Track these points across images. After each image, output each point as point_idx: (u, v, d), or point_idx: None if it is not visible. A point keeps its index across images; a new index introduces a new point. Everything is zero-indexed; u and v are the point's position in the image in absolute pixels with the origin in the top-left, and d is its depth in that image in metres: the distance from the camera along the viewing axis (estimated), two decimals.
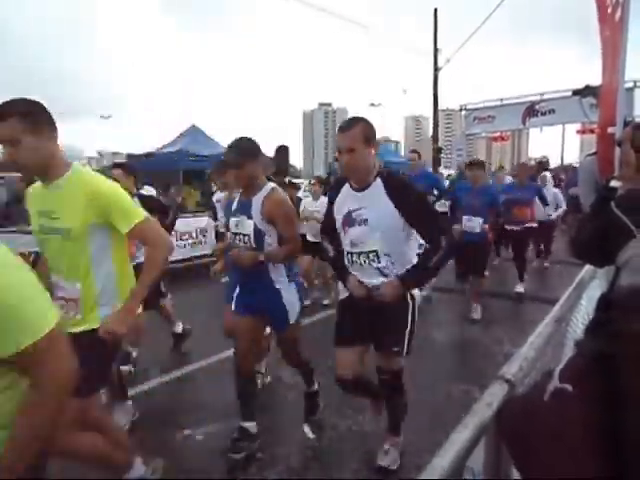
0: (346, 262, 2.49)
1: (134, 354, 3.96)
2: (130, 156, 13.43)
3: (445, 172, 14.15)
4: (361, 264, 2.41)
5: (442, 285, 7.23)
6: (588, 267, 2.34)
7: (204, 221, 8.58)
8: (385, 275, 2.37)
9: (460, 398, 3.39)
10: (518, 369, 1.22)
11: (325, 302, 5.98)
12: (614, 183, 1.76)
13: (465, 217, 5.26)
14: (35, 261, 2.65)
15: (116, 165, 4.20)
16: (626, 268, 1.43)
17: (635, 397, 0.63)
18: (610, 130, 3.02)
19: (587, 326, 0.77)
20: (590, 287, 2.25)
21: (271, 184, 2.73)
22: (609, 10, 2.84)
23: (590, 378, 0.68)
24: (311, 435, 3.00)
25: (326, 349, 3.93)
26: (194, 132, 12.56)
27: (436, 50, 16.21)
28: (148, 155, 12.47)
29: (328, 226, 2.63)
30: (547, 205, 7.04)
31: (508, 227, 6.40)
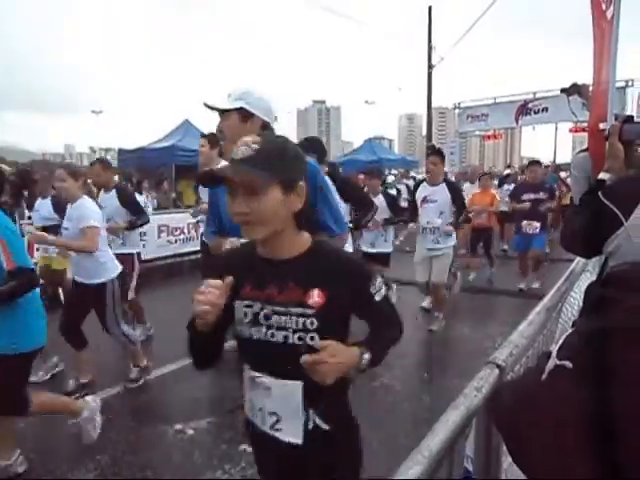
0: None
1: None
2: (122, 151, 13.31)
3: None
4: None
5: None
6: (579, 259, 2.36)
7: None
8: None
9: (453, 392, 3.39)
10: (509, 354, 1.23)
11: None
12: (602, 175, 1.78)
13: None
14: None
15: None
16: (613, 257, 1.45)
17: (632, 372, 0.64)
18: (602, 126, 3.03)
19: (581, 309, 0.77)
20: (581, 279, 2.26)
21: None
22: (603, 6, 2.84)
23: (587, 354, 0.69)
24: None
25: None
26: (187, 127, 12.46)
27: (430, 48, 16.21)
28: (139, 150, 12.38)
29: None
30: None
31: None
